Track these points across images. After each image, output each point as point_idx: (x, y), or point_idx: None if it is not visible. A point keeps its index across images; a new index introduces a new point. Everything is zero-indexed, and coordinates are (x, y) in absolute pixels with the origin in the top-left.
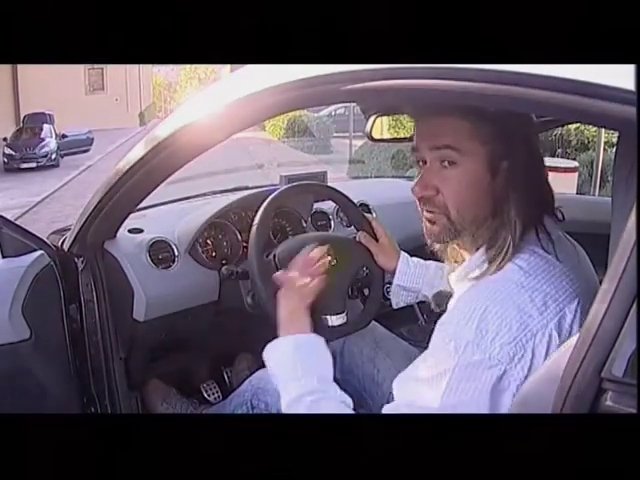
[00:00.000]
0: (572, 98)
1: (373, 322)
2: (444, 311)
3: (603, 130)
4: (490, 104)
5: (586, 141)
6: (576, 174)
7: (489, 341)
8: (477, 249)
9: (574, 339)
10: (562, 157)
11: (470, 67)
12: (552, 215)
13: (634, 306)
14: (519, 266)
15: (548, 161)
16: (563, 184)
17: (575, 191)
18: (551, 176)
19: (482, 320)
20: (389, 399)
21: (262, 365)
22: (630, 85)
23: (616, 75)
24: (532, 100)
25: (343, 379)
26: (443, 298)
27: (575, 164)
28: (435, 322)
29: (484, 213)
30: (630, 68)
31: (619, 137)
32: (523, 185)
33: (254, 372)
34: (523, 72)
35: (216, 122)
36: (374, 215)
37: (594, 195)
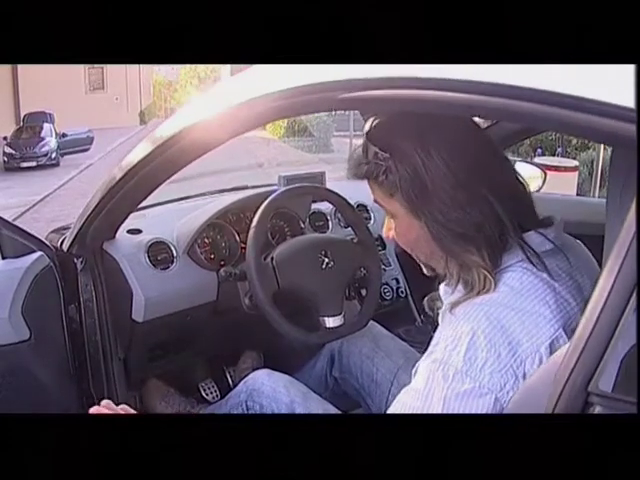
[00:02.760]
0: (568, 113)
1: (372, 321)
2: (437, 313)
3: None
4: (487, 117)
5: (586, 140)
6: (576, 173)
7: (478, 369)
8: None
9: (564, 348)
10: (562, 156)
11: (468, 80)
12: (536, 226)
13: (623, 317)
14: (510, 286)
15: (548, 160)
16: (563, 183)
17: (575, 190)
18: (551, 175)
19: (470, 347)
20: (388, 399)
21: (267, 364)
22: (628, 102)
23: (614, 91)
24: (528, 113)
25: (342, 378)
26: (435, 302)
27: (575, 163)
28: (431, 324)
29: (431, 250)
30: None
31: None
32: (458, 210)
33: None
34: (519, 86)
35: (218, 124)
36: (372, 215)
37: (594, 194)
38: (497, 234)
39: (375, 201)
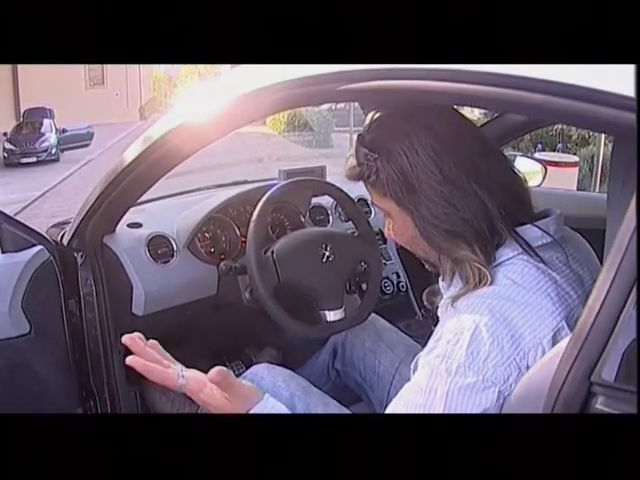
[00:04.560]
0: (569, 102)
1: (375, 315)
2: (436, 307)
3: None
4: (488, 107)
5: (587, 136)
6: (577, 169)
7: (481, 362)
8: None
9: (565, 340)
10: (563, 152)
11: (466, 69)
12: (533, 219)
13: (624, 310)
14: (512, 279)
15: (548, 156)
16: (564, 179)
17: (575, 186)
18: (551, 171)
19: (473, 341)
20: (389, 392)
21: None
22: (627, 91)
23: (615, 81)
24: (530, 104)
25: (344, 371)
26: (434, 296)
27: (576, 159)
28: (432, 318)
29: (424, 246)
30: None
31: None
32: (446, 206)
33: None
34: (520, 75)
35: (216, 119)
36: (372, 209)
37: (595, 190)
38: (486, 228)
39: (372, 202)
